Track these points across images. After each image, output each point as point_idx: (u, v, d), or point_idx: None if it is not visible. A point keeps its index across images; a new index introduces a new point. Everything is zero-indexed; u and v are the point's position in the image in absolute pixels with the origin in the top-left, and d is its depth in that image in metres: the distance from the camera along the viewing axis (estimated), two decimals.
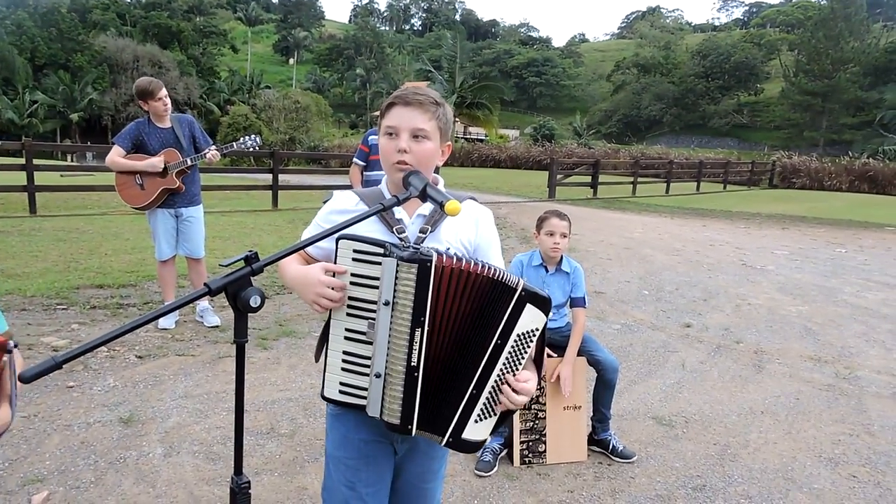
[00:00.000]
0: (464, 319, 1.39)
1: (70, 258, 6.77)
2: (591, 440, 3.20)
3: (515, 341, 1.40)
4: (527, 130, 59.75)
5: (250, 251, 1.22)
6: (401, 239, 1.51)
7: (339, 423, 1.62)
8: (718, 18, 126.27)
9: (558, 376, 3.02)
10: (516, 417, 3.01)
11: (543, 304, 1.41)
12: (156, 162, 4.39)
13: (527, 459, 3.05)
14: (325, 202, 5.46)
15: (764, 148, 52.94)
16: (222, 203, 12.36)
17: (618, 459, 3.12)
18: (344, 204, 1.63)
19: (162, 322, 4.75)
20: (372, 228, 1.51)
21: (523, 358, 1.44)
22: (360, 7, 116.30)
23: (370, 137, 5.65)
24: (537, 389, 2.96)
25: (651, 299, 6.47)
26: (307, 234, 1.67)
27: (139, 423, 3.29)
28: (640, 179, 20.91)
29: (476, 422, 1.43)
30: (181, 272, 5.53)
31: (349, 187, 6.21)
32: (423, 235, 1.54)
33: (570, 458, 3.10)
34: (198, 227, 4.77)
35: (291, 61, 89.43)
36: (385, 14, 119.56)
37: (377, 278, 1.41)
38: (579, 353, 3.09)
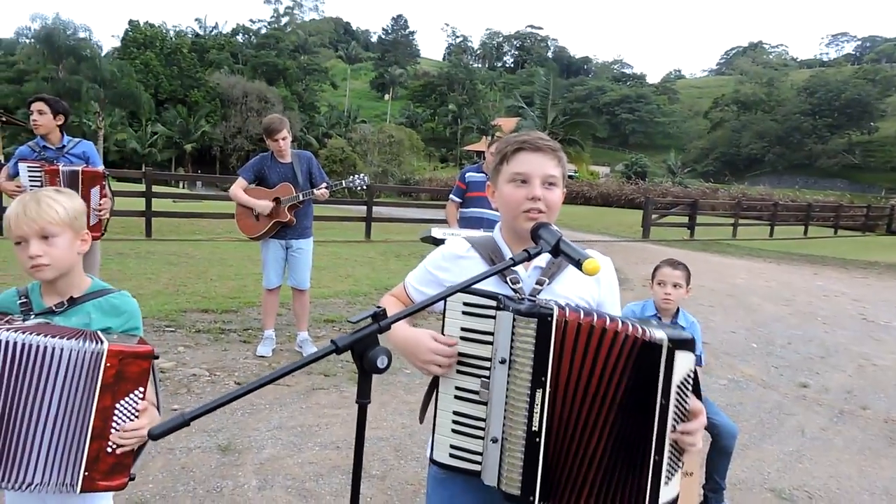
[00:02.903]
0: (606, 382, 1.28)
1: (179, 282, 7.15)
2: None
3: (678, 393, 1.29)
4: (618, 167, 58.66)
5: (377, 307, 1.17)
6: (515, 290, 1.42)
7: (442, 489, 1.51)
8: (827, 54, 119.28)
9: None
10: None
11: (689, 344, 1.30)
12: (264, 206, 4.58)
13: None
14: (421, 238, 5.41)
15: (881, 191, 49.06)
16: (317, 233, 12.74)
17: None
18: (456, 250, 1.56)
19: (260, 349, 4.88)
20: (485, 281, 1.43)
21: (688, 401, 1.33)
22: (455, 45, 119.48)
23: (467, 174, 5.65)
24: None
25: (760, 353, 6.01)
26: (413, 277, 1.62)
27: (236, 452, 3.33)
28: (741, 221, 19.86)
29: (666, 484, 1.32)
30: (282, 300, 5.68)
31: (443, 222, 6.24)
32: (540, 287, 1.45)
33: None
34: (305, 259, 4.90)
35: (387, 97, 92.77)
36: (478, 52, 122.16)
37: (490, 333, 1.32)
38: None
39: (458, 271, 1.50)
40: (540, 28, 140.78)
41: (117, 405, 1.45)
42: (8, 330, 1.41)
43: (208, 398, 3.99)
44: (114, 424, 1.45)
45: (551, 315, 1.25)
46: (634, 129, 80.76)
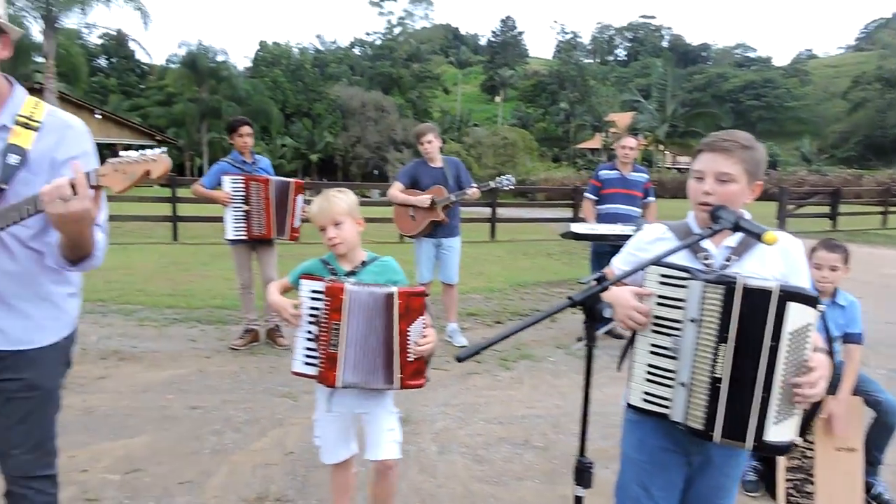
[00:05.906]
0: (744, 329, 1.52)
1: None
2: None
3: (791, 342, 1.49)
4: None
5: (600, 273, 1.50)
6: (706, 265, 1.69)
7: (636, 428, 1.82)
8: None
9: (829, 415, 2.90)
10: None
11: (807, 300, 1.49)
12: (423, 199, 5.08)
13: (793, 499, 2.96)
14: (561, 235, 5.72)
15: None
16: None
17: None
18: (655, 233, 1.87)
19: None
20: (678, 256, 1.69)
21: (805, 352, 1.52)
22: (564, 42, 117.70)
23: (601, 172, 5.85)
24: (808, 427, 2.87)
25: None
26: (618, 259, 1.93)
27: (413, 423, 3.79)
28: (890, 209, 18.21)
29: (776, 423, 1.52)
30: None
31: (568, 220, 6.49)
32: (728, 263, 1.70)
33: None
34: (454, 257, 5.36)
35: (498, 99, 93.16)
36: (589, 47, 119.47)
37: (681, 300, 1.61)
38: (855, 393, 2.93)
39: (656, 251, 1.80)
40: (652, 17, 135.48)
41: (409, 328, 2.12)
42: (346, 283, 2.17)
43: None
44: (410, 341, 2.12)
45: (734, 283, 1.53)
46: (762, 116, 75.35)
